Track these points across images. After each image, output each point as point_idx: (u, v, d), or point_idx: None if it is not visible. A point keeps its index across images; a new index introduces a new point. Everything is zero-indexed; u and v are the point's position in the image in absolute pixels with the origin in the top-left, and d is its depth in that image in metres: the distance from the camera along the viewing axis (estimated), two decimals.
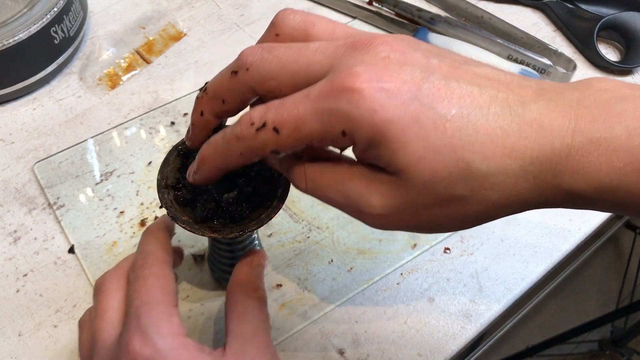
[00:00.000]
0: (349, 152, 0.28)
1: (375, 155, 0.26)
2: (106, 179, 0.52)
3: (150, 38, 0.63)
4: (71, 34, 0.57)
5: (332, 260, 0.48)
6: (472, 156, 0.25)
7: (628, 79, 0.62)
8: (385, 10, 0.65)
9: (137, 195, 0.51)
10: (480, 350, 1.19)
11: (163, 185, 0.36)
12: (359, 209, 0.28)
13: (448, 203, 0.26)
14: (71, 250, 0.48)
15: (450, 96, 0.25)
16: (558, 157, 0.25)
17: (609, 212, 0.28)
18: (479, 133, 0.25)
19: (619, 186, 0.25)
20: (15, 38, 0.52)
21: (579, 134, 0.25)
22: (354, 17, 0.66)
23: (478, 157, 0.25)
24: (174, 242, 0.48)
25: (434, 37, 0.62)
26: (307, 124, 0.26)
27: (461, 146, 0.25)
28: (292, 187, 0.34)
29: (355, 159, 0.29)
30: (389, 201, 0.27)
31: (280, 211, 0.36)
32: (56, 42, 0.56)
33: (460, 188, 0.26)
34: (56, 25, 0.55)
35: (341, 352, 0.44)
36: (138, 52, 0.61)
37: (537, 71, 0.60)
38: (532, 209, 0.28)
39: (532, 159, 0.26)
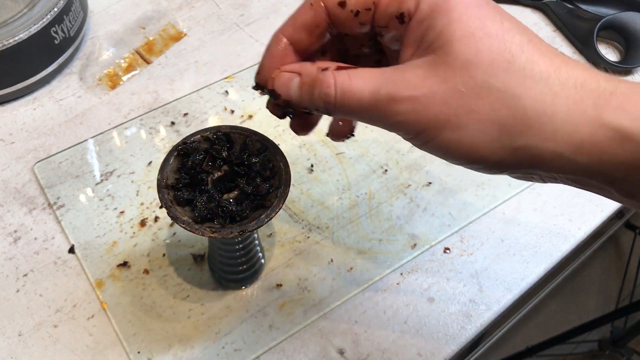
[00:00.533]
0: None
1: (428, 25, 0.27)
2: (106, 179, 0.52)
3: (151, 38, 0.63)
4: (71, 34, 0.57)
5: (332, 260, 0.48)
6: (520, 54, 0.26)
7: (628, 79, 0.63)
8: None
9: (137, 195, 0.51)
10: (480, 350, 1.19)
11: (163, 185, 0.36)
12: (391, 95, 0.27)
13: (480, 94, 0.26)
14: (71, 250, 0.48)
15: (509, 17, 0.28)
16: (602, 92, 0.25)
17: None
18: (531, 42, 0.27)
19: None
20: (16, 38, 0.52)
21: (625, 82, 0.26)
22: None
23: (525, 56, 0.26)
24: (174, 242, 0.49)
25: None
26: None
27: (511, 41, 0.26)
28: (292, 188, 0.34)
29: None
30: (424, 81, 0.27)
31: (280, 211, 0.36)
32: (56, 42, 0.56)
33: (498, 79, 0.26)
34: (56, 26, 0.55)
35: (341, 352, 0.45)
36: (138, 52, 0.61)
37: None
38: (565, 150, 0.26)
39: (575, 84, 0.26)
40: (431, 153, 0.29)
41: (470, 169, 0.29)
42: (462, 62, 0.26)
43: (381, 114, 0.28)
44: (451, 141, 0.27)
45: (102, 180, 0.52)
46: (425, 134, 0.28)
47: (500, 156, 0.27)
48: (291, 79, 0.30)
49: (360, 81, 0.28)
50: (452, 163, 0.29)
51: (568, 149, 0.26)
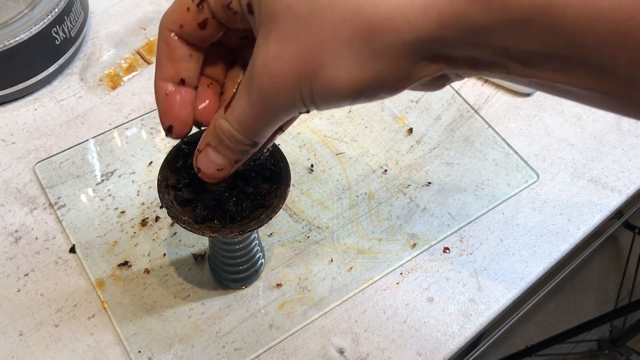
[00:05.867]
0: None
1: (249, 3, 0.26)
2: (107, 179, 0.52)
3: (151, 39, 0.63)
4: (72, 35, 0.58)
5: (332, 260, 0.49)
6: None
7: None
8: None
9: (137, 195, 0.51)
10: (480, 350, 1.19)
11: (164, 186, 0.36)
12: (259, 90, 0.26)
13: (312, 26, 0.24)
14: (72, 250, 0.48)
15: None
16: None
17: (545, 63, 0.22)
18: None
19: None
20: (17, 39, 0.52)
21: None
22: None
23: None
24: (175, 242, 0.49)
25: None
26: None
27: None
28: (292, 188, 0.34)
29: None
30: (267, 55, 0.25)
31: (280, 211, 0.36)
32: (57, 42, 0.56)
33: (316, 3, 0.23)
34: (57, 26, 0.55)
35: (341, 352, 0.45)
36: (139, 53, 0.62)
37: None
38: (416, 44, 0.23)
39: None
40: (332, 107, 0.27)
41: (378, 96, 0.26)
42: (286, 10, 0.24)
43: (272, 108, 0.27)
44: (329, 84, 0.25)
45: (103, 180, 0.52)
46: (307, 95, 0.26)
47: (377, 69, 0.24)
48: (207, 155, 0.30)
49: (239, 102, 0.28)
50: (353, 102, 0.26)
51: (431, 26, 0.22)
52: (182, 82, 0.30)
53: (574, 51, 0.21)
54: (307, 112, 0.27)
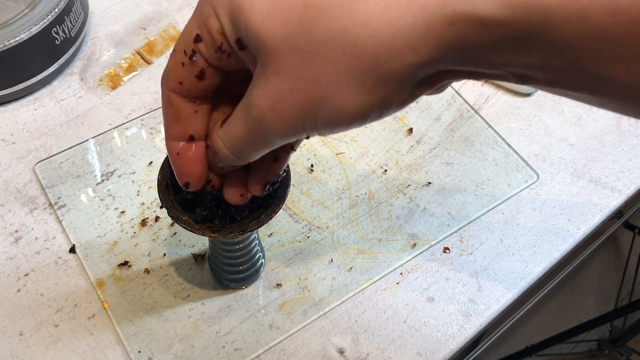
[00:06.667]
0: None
1: (240, 34, 0.25)
2: (107, 179, 0.52)
3: (151, 39, 0.63)
4: (72, 35, 0.58)
5: (332, 260, 0.49)
6: None
7: None
8: None
9: (137, 195, 0.51)
10: (480, 350, 1.19)
11: (164, 186, 0.36)
12: (256, 117, 0.26)
13: (319, 55, 0.23)
14: (72, 250, 0.48)
15: None
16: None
17: (541, 76, 0.23)
18: None
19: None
20: (17, 39, 0.52)
21: None
22: None
23: None
24: (175, 242, 0.49)
25: None
26: (189, 26, 0.27)
27: None
28: (292, 188, 0.34)
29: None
30: (272, 83, 0.25)
31: (280, 211, 0.36)
32: (57, 42, 0.56)
33: (320, 30, 0.23)
34: (57, 26, 0.55)
35: (341, 352, 0.45)
36: (139, 53, 0.62)
37: None
38: (420, 66, 0.23)
39: None
40: (337, 132, 0.27)
41: (384, 115, 0.26)
42: (282, 42, 0.24)
43: (270, 136, 0.27)
44: (334, 114, 0.25)
45: (102, 180, 0.52)
46: (310, 125, 0.25)
47: (383, 93, 0.24)
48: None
49: (235, 125, 0.28)
50: (360, 126, 0.26)
51: (433, 49, 0.22)
52: (191, 137, 0.31)
53: (572, 64, 0.21)
54: (307, 137, 0.27)
